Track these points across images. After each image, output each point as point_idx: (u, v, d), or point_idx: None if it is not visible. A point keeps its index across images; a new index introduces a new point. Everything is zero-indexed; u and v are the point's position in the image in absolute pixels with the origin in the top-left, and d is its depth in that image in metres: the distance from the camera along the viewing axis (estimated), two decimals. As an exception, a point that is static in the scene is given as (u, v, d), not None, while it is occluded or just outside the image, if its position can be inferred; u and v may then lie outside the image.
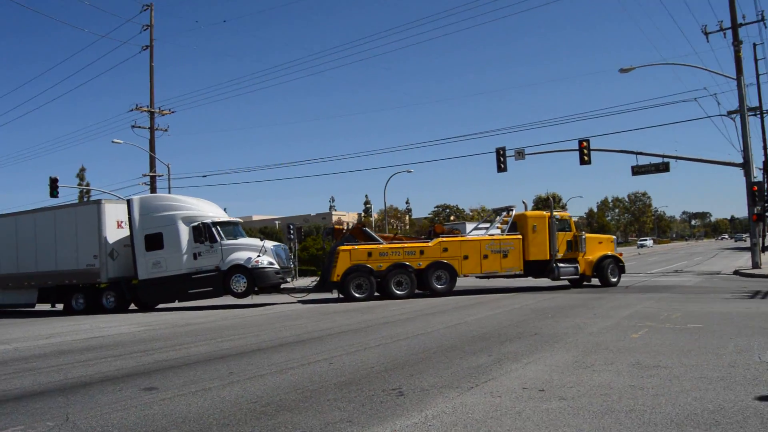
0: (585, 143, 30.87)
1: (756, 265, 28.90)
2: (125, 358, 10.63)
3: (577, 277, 23.82)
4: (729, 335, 10.12)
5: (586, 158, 30.77)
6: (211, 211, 22.68)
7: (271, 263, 21.63)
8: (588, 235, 24.23)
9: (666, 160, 30.99)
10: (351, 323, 14.60)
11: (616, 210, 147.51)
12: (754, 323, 11.41)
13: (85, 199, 45.56)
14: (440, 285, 22.45)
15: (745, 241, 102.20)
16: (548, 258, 23.25)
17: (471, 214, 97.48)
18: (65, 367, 9.82)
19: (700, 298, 16.91)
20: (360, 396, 6.91)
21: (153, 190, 37.87)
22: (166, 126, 38.67)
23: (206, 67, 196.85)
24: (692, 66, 30.47)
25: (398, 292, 21.98)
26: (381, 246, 22.40)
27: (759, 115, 51.66)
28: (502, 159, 32.00)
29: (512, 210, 24.04)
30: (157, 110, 38.38)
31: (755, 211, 29.01)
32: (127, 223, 22.74)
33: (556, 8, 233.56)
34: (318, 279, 24.03)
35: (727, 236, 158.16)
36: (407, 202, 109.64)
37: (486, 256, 22.66)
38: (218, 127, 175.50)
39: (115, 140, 37.28)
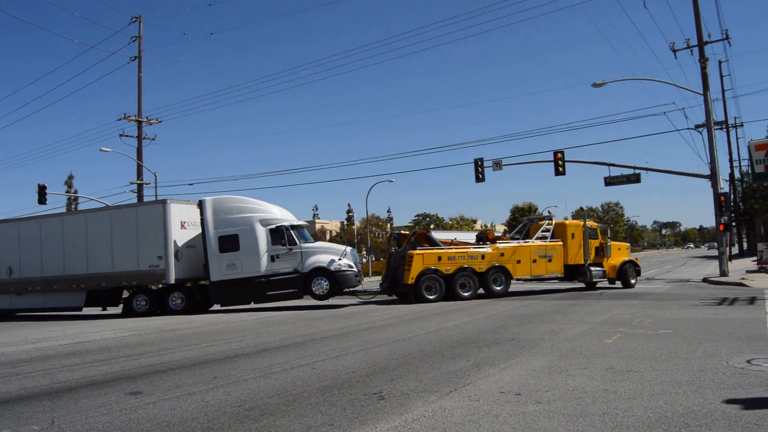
0: (560, 155, 31.11)
1: (723, 273, 29.20)
2: (111, 362, 10.49)
3: (605, 279, 25.38)
4: (698, 340, 10.20)
5: (561, 169, 31.01)
6: (281, 214, 22.30)
7: (350, 266, 21.70)
8: (612, 242, 25.74)
9: (637, 171, 31.31)
10: (334, 329, 14.54)
11: (590, 219, 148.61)
12: (722, 329, 11.51)
13: (74, 206, 44.79)
14: (497, 287, 23.24)
15: (709, 249, 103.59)
16: (582, 263, 24.70)
17: (450, 222, 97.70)
18: (51, 372, 9.67)
19: (671, 305, 17.04)
20: (341, 400, 6.87)
21: (140, 197, 37.55)
22: (154, 135, 38.44)
23: (193, 77, 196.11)
24: (661, 81, 30.83)
25: (464, 294, 22.45)
26: (450, 251, 22.90)
27: (725, 129, 52.65)
28: (480, 169, 32.15)
29: (552, 219, 25.42)
30: (145, 119, 38.13)
31: (722, 221, 29.36)
32: (191, 224, 22.38)
33: (533, 24, 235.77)
34: (384, 281, 23.82)
35: (692, 245, 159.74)
36: (389, 211, 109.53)
37: (534, 261, 23.76)
38: (204, 136, 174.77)
39: (103, 148, 36.86)
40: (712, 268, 38.57)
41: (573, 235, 24.73)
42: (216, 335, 14.26)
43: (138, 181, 37.96)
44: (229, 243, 21.56)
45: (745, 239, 66.75)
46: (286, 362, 9.68)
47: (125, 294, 23.39)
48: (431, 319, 15.94)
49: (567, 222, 25.49)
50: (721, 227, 29.46)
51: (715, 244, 40.93)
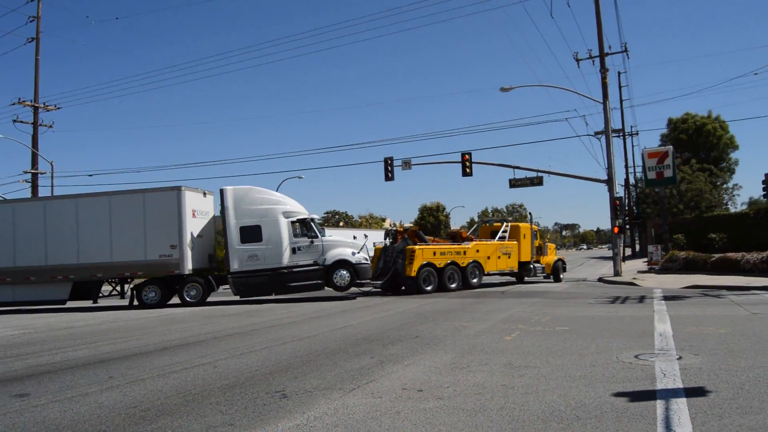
0: (467, 156, 31.79)
1: (617, 273, 30.67)
2: (-4, 363, 9.88)
3: (543, 274, 29.18)
4: (591, 337, 10.67)
5: (468, 170, 31.68)
6: (297, 207, 22.49)
7: (366, 259, 22.71)
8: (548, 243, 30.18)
9: (540, 174, 32.42)
10: (238, 326, 14.28)
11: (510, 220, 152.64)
12: (614, 326, 12.09)
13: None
14: (474, 280, 25.58)
15: (608, 249, 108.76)
16: (529, 260, 28.18)
17: (359, 220, 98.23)
18: (-72, 373, 9.01)
19: (568, 303, 17.73)
20: (243, 399, 6.74)
21: (35, 188, 35.63)
22: (51, 122, 36.58)
23: (95, 63, 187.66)
24: (564, 89, 32.05)
25: (451, 286, 24.53)
26: (441, 247, 25.18)
27: (622, 137, 55.48)
28: (389, 168, 32.39)
29: (509, 222, 28.84)
30: (42, 105, 36.23)
31: (617, 224, 30.82)
32: (200, 213, 22.11)
33: (443, 27, 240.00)
34: (375, 272, 24.68)
35: (585, 246, 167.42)
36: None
37: (499, 257, 26.73)
38: (106, 125, 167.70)
39: (-6, 135, 34.80)
40: (607, 269, 40.46)
41: (524, 235, 27.98)
42: (113, 333, 13.71)
43: (33, 170, 36.00)
44: (251, 234, 21.58)
45: (638, 241, 70.41)
46: (186, 361, 9.42)
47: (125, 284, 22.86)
48: (337, 316, 15.93)
49: (520, 225, 28.44)
50: (616, 230, 30.94)
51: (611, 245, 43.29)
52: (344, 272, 22.07)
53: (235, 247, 21.53)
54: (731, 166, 65.57)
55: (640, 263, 42.52)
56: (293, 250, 21.79)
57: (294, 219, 21.96)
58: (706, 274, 28.66)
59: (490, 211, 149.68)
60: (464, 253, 25.37)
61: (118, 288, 23.24)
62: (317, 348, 10.33)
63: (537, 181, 32.19)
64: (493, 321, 13.64)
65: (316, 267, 21.88)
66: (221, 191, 21.73)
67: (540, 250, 29.19)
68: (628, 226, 56.36)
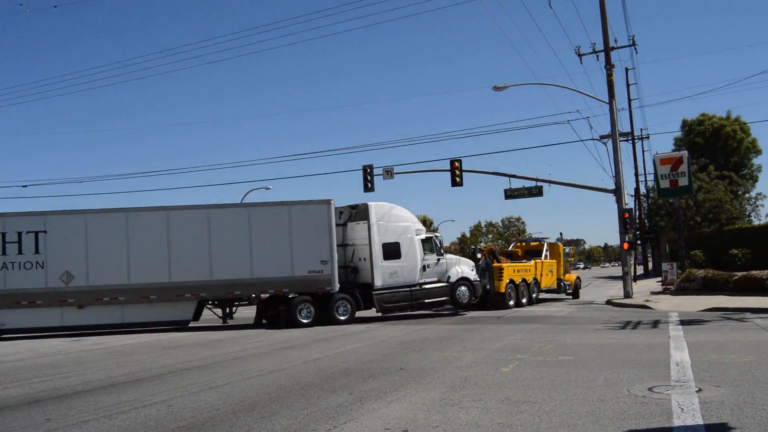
0: (457, 163, 31.99)
1: (627, 294, 30.85)
2: None
3: (570, 291, 34.56)
4: (599, 368, 10.71)
5: (458, 179, 31.86)
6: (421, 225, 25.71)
7: (477, 277, 26.46)
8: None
9: (539, 184, 32.68)
10: (196, 359, 14.16)
11: (490, 236, 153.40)
12: (624, 355, 12.15)
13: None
14: (534, 295, 30.29)
15: (613, 267, 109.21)
16: (562, 277, 33.48)
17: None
18: None
19: (572, 329, 17.82)
20: (202, 443, 6.67)
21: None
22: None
23: (29, 58, 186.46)
24: (565, 87, 32.48)
25: (523, 301, 29.05)
26: (518, 264, 29.73)
27: (630, 141, 55.95)
28: (369, 177, 32.46)
29: (548, 241, 34.24)
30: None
31: (626, 239, 31.04)
32: (339, 229, 24.07)
33: (429, 20, 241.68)
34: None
35: (581, 265, 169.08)
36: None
37: (547, 275, 31.79)
38: (42, 128, 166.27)
39: None
40: (616, 290, 40.66)
41: (560, 254, 33.17)
42: (51, 369, 13.53)
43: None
44: (392, 251, 24.03)
45: (650, 258, 70.80)
46: (136, 399, 9.32)
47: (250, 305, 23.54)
48: (311, 346, 15.86)
49: (558, 244, 33.94)
50: (626, 246, 31.15)
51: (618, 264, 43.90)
52: (464, 289, 25.48)
53: (379, 263, 23.81)
54: (754, 172, 66.38)
55: (654, 283, 42.80)
56: (423, 268, 24.68)
57: (423, 237, 24.99)
58: (728, 294, 28.88)
59: (483, 225, 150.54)
60: (528, 270, 30.10)
61: (216, 309, 23.94)
62: (288, 383, 10.26)
63: (536, 192, 32.43)
64: (488, 350, 13.66)
65: (443, 284, 25.10)
66: (365, 206, 24.15)
67: (567, 268, 34.87)
68: (639, 242, 56.64)
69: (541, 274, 31.00)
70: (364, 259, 24.01)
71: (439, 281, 24.94)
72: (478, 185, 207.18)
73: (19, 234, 22.07)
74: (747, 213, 62.34)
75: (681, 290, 32.43)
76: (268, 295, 22.93)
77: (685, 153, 37.53)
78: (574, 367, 10.81)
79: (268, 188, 47.48)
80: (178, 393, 9.72)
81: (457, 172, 31.89)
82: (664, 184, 35.92)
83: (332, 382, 10.23)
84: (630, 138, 54.74)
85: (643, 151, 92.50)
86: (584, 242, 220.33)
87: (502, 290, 27.82)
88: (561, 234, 34.26)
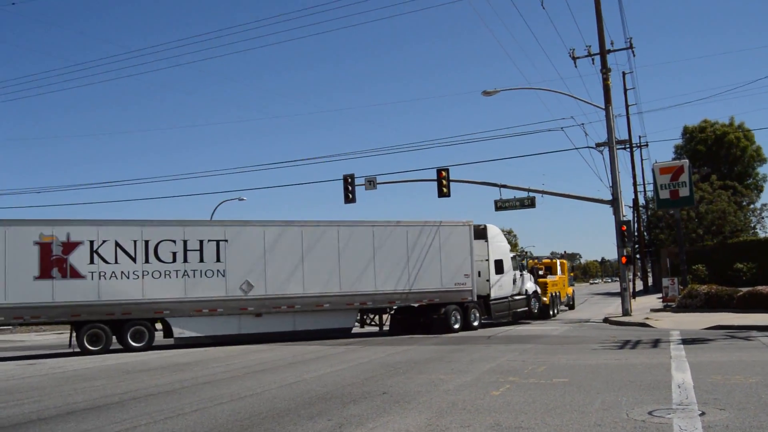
0: (444, 173, 32.06)
1: (626, 312, 30.94)
2: None
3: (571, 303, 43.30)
4: (596, 390, 10.70)
5: (444, 190, 31.90)
6: None
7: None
8: None
9: (532, 194, 32.75)
10: (163, 383, 14.02)
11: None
12: (623, 376, 12.15)
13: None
14: (561, 306, 39.25)
15: (608, 282, 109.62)
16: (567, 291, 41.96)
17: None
18: None
19: (568, 349, 17.85)
20: (167, 474, 6.58)
21: None
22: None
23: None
24: (559, 93, 32.61)
25: (556, 311, 36.75)
26: (555, 279, 37.66)
27: (628, 149, 56.22)
28: (350, 188, 32.47)
29: (558, 259, 42.75)
30: None
31: (624, 253, 31.20)
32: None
33: (415, 23, 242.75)
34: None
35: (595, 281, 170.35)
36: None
37: (562, 289, 39.40)
38: None
39: None
40: (614, 307, 40.80)
41: (565, 271, 41.06)
42: (4, 395, 13.34)
43: None
44: (498, 266, 29.85)
45: (650, 273, 71.11)
46: (96, 428, 9.20)
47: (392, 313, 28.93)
48: (287, 369, 15.75)
49: (564, 261, 42.64)
50: (624, 260, 31.29)
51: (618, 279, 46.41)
52: (536, 302, 32.41)
53: (494, 277, 29.60)
54: (759, 182, 66.82)
55: (654, 300, 43.01)
56: (513, 281, 30.66)
57: (513, 255, 31.39)
58: (733, 311, 29.05)
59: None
60: (556, 285, 37.03)
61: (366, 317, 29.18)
62: (262, 409, 10.18)
63: (528, 203, 32.53)
64: (477, 372, 13.62)
65: (523, 296, 31.47)
66: (485, 227, 30.11)
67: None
68: (638, 256, 56.99)
69: (562, 287, 39.00)
70: (479, 273, 29.17)
71: (519, 294, 31.24)
72: (467, 196, 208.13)
73: (201, 242, 24.55)
74: (752, 225, 62.61)
75: (683, 307, 32.58)
76: (419, 304, 27.63)
77: (686, 162, 37.75)
78: (570, 390, 10.80)
79: (242, 199, 47.39)
80: (142, 421, 9.61)
81: (444, 182, 31.95)
82: (664, 194, 36.09)
83: (309, 407, 10.15)
84: (627, 146, 55.11)
85: (641, 160, 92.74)
86: (580, 256, 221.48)
87: (548, 302, 34.58)
88: (565, 252, 38.93)
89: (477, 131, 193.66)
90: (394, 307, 27.97)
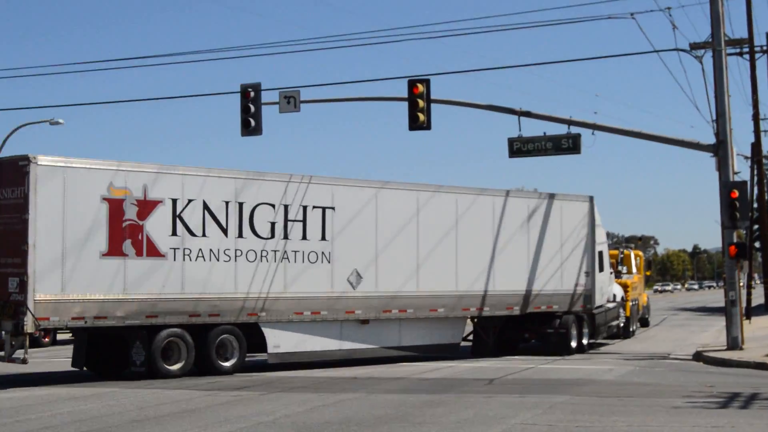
0: (420, 87, 31.53)
1: (734, 343, 30.83)
2: None
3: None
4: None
5: (421, 117, 31.43)
6: None
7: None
8: None
9: (574, 130, 32.45)
10: None
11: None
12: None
13: None
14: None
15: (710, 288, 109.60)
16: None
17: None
18: None
19: (630, 407, 17.81)
20: None
21: None
22: None
23: None
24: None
25: (634, 329, 42.69)
26: (635, 279, 43.77)
27: (747, 56, 55.58)
28: (252, 109, 31.97)
29: (633, 249, 48.11)
30: None
31: (734, 239, 31.03)
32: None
33: None
34: None
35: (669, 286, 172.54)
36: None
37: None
38: None
39: None
40: (711, 333, 41.09)
41: (641, 268, 47.02)
42: None
43: None
44: (600, 259, 33.66)
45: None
46: None
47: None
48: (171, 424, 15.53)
49: (640, 253, 47.92)
50: (733, 250, 31.11)
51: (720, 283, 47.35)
52: (622, 310, 37.42)
53: (598, 276, 33.21)
54: None
55: (782, 321, 43.37)
56: (608, 282, 35.20)
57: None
58: None
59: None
60: (635, 288, 42.42)
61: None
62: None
63: (568, 144, 32.29)
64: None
65: (615, 304, 36.01)
66: (590, 199, 33.49)
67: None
68: (758, 243, 57.04)
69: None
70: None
71: (609, 300, 35.61)
72: (459, 130, 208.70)
73: (304, 210, 27.08)
74: None
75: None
76: (534, 312, 31.76)
77: None
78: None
79: (58, 122, 47.22)
80: None
81: (421, 103, 31.54)
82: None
83: None
84: (746, 49, 54.50)
85: None
86: (656, 242, 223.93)
87: (628, 313, 39.15)
88: (642, 239, 41.01)
89: (478, 16, 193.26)
90: (494, 315, 31.70)
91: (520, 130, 32.72)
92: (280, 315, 26.12)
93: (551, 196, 32.78)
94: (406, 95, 32.07)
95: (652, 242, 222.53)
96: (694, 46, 32.46)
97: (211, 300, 25.06)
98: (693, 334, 43.32)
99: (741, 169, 33.55)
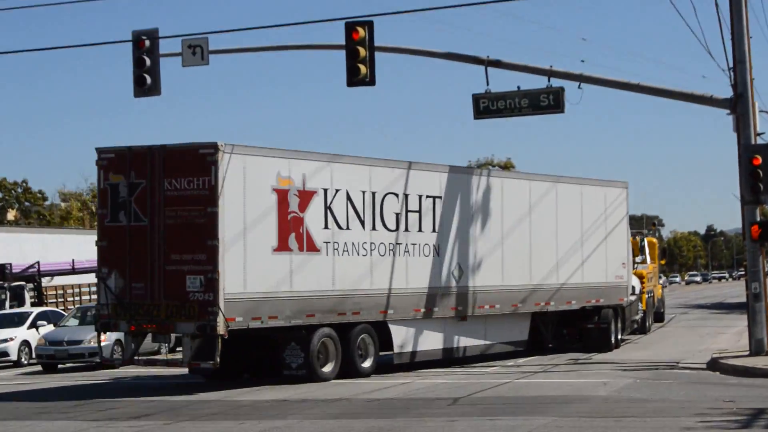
0: (362, 31, 31.31)
1: (759, 347, 30.79)
2: None
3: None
4: None
5: (363, 69, 31.31)
6: None
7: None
8: None
9: (555, 83, 32.35)
10: None
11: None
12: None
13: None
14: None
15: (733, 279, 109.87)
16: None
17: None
18: None
19: (630, 430, 17.62)
20: None
21: None
22: None
23: None
24: None
25: (650, 324, 48.57)
26: (649, 268, 48.27)
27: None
28: (147, 61, 31.74)
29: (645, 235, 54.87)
30: None
31: (758, 217, 30.99)
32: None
33: None
34: None
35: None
36: None
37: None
38: None
39: None
40: (731, 334, 41.31)
41: (655, 256, 52.12)
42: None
43: None
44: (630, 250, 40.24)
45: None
46: None
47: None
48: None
49: (653, 239, 55.52)
50: (756, 230, 31.09)
51: (740, 273, 49.02)
52: (639, 303, 42.50)
53: (630, 264, 39.12)
54: None
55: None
56: (631, 273, 39.97)
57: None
58: None
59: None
60: (652, 279, 47.62)
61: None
62: None
63: (548, 101, 32.19)
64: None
65: (635, 297, 40.97)
66: (626, 185, 39.02)
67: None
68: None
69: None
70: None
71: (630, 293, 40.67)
72: (411, 86, 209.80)
73: (419, 199, 31.94)
74: None
75: None
76: (584, 307, 37.60)
77: None
78: None
79: None
80: None
81: (362, 51, 31.38)
82: None
83: None
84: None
85: None
86: (661, 223, 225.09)
87: (644, 306, 43.68)
88: (655, 223, 44.01)
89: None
90: (557, 310, 37.73)
91: (488, 84, 32.67)
92: (403, 312, 30.74)
93: (595, 182, 38.64)
94: (343, 42, 31.95)
95: (655, 223, 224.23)
96: (704, -17, 32.48)
97: (354, 297, 29.50)
98: (707, 336, 43.58)
99: (765, 130, 33.35)
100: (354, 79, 31.55)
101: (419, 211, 31.17)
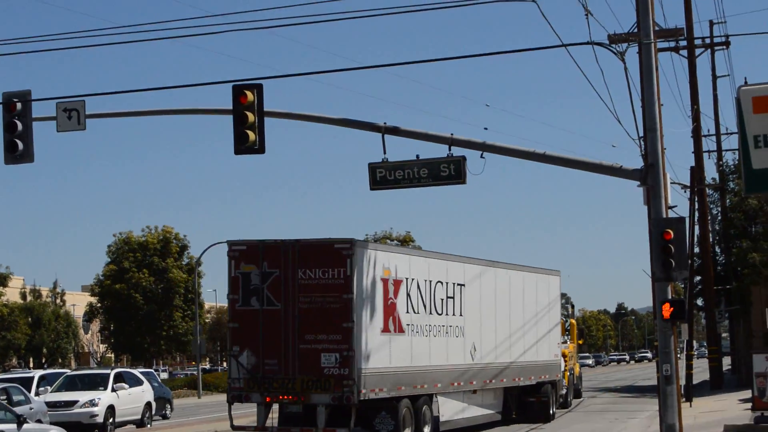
0: (250, 95, 31.46)
1: (670, 431, 31.25)
2: None
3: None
4: None
5: (251, 136, 31.26)
6: None
7: None
8: None
9: (457, 152, 32.67)
10: None
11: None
12: None
13: None
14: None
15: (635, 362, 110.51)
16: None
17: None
18: None
19: None
20: None
21: None
22: None
23: None
24: None
25: (569, 401, 54.85)
26: (570, 347, 54.48)
27: (684, 51, 56.21)
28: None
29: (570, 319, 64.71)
30: None
31: (668, 295, 31.46)
32: None
33: None
34: None
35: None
36: None
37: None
38: None
39: None
40: (641, 419, 41.78)
41: (576, 335, 60.64)
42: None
43: None
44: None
45: (726, 340, 72.53)
46: None
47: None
48: None
49: (573, 321, 61.17)
50: (667, 310, 31.51)
51: (650, 355, 50.37)
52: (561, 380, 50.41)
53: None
54: None
55: (734, 404, 44.12)
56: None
57: None
58: None
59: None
60: (571, 358, 52.54)
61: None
62: None
63: (449, 171, 32.45)
64: None
65: (561, 373, 48.45)
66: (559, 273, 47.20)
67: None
68: (700, 300, 57.66)
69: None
70: None
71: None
72: (301, 151, 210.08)
73: (453, 287, 38.65)
74: None
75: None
76: (531, 383, 44.21)
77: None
78: None
79: None
80: None
81: (251, 116, 31.63)
82: (761, 159, 36.85)
83: None
84: (683, 43, 54.91)
85: (713, 78, 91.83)
86: (569, 301, 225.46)
87: (567, 382, 49.27)
88: (573, 304, 45.27)
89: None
90: (521, 385, 43.91)
91: (384, 152, 32.78)
92: (445, 386, 37.09)
93: (540, 271, 46.36)
94: (230, 105, 32.14)
95: (573, 304, 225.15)
96: (614, 39, 32.87)
97: (422, 372, 35.64)
98: (616, 422, 43.89)
99: (677, 203, 33.99)
100: (242, 146, 31.54)
101: (453, 297, 37.95)
